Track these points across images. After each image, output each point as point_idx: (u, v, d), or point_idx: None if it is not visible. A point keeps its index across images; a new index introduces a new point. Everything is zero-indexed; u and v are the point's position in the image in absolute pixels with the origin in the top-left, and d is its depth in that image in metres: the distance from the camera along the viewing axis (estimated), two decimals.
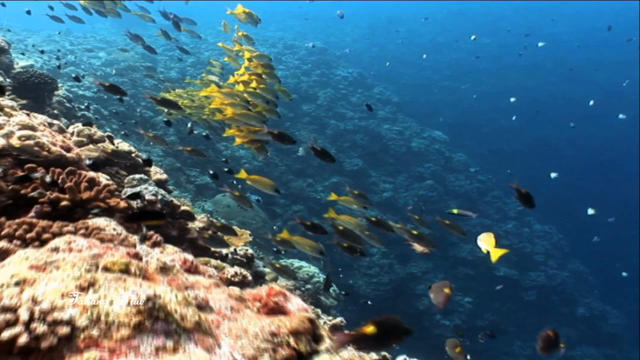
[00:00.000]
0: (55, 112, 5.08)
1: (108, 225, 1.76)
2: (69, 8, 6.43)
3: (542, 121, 17.92)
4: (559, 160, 16.79)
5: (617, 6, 23.11)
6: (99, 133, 3.13)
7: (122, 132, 9.75)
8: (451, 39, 21.38)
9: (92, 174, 2.19)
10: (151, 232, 2.00)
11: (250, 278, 2.53)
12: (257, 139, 3.19)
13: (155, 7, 6.24)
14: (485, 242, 2.85)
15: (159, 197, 2.29)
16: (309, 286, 4.18)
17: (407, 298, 10.75)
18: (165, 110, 6.88)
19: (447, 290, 2.33)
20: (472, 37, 12.94)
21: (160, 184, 2.82)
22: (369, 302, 8.97)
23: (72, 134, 3.07)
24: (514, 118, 13.00)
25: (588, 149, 17.64)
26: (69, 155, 2.27)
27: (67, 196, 2.00)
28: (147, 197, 2.22)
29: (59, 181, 2.05)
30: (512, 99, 12.71)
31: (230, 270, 2.46)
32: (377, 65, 19.66)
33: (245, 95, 3.22)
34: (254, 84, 3.36)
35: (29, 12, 8.91)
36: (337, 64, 15.84)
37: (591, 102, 12.27)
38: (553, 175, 9.82)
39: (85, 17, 6.17)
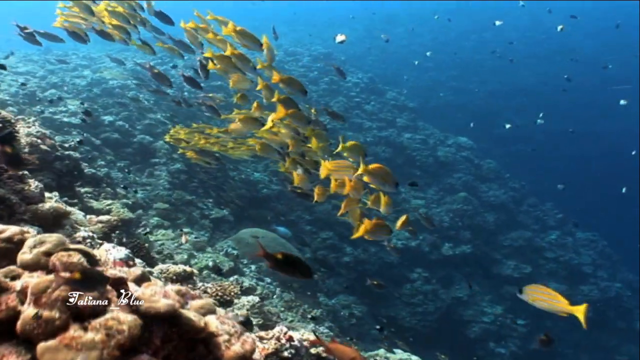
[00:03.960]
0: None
1: None
2: (22, 30, 5.16)
3: (557, 116, 17.08)
4: (582, 160, 16.01)
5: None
6: (78, 258, 1.48)
7: (120, 165, 8.37)
8: (452, 37, 20.46)
9: None
10: None
11: None
12: None
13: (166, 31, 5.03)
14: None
15: None
16: None
17: (456, 325, 9.62)
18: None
19: None
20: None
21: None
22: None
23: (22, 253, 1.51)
24: (539, 121, 12.05)
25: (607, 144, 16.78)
26: None
27: None
28: None
29: None
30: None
31: None
32: (379, 68, 18.57)
33: None
34: None
35: None
36: (346, 70, 14.64)
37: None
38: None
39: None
